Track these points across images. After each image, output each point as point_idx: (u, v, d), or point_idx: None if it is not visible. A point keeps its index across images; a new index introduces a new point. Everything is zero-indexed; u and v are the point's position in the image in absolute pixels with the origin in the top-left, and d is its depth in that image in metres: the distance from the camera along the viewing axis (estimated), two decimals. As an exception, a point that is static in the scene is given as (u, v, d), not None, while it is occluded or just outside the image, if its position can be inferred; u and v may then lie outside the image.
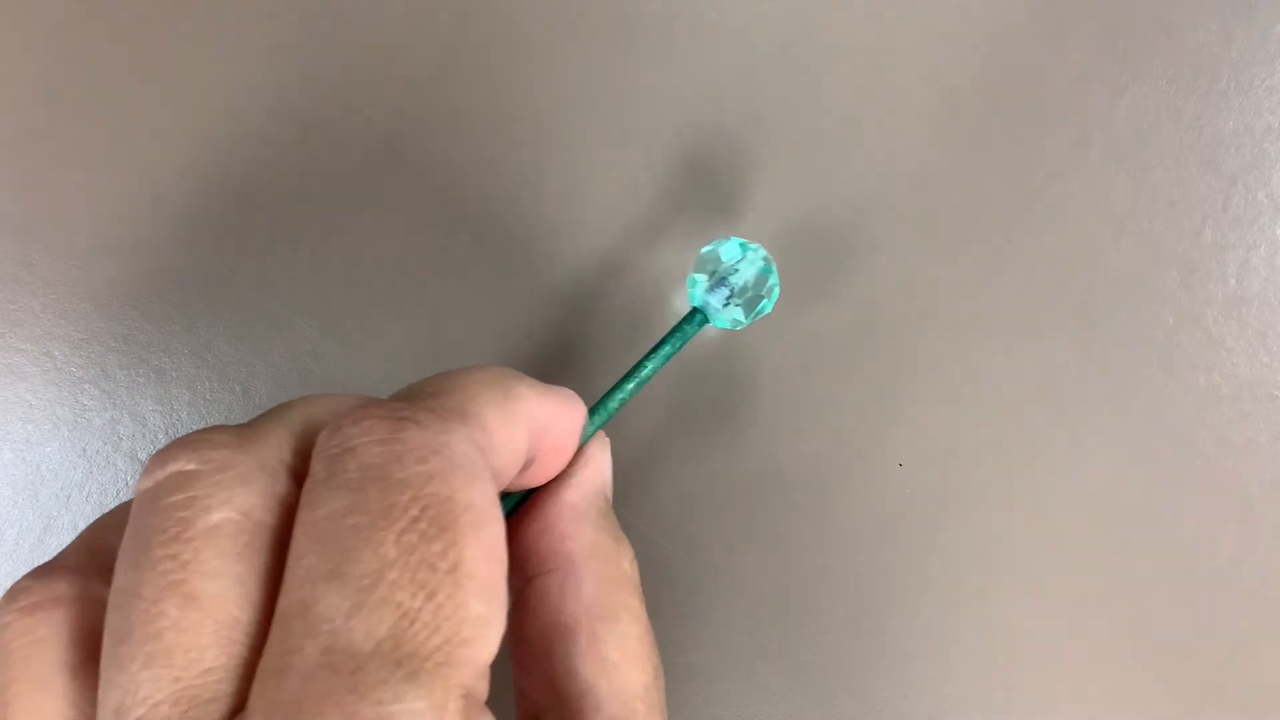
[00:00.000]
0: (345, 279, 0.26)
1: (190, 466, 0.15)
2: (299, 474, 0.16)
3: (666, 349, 0.22)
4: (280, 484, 0.15)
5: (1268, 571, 0.26)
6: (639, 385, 0.22)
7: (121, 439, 0.26)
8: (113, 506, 0.17)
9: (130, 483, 0.25)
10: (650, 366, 0.22)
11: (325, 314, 0.26)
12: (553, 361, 0.26)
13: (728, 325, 0.23)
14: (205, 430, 0.16)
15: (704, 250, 0.24)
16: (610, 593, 0.18)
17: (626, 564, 0.19)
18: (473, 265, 0.26)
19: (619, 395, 0.22)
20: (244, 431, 0.16)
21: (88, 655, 0.15)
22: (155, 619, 0.14)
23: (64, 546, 0.17)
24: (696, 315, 0.23)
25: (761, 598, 0.26)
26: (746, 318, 0.23)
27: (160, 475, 0.15)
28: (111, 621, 0.14)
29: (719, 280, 0.23)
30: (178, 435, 0.26)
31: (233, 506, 0.15)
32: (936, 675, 0.26)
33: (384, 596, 0.13)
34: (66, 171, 0.26)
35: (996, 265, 0.26)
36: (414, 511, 0.14)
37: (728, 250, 0.24)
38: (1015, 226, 0.26)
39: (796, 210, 0.26)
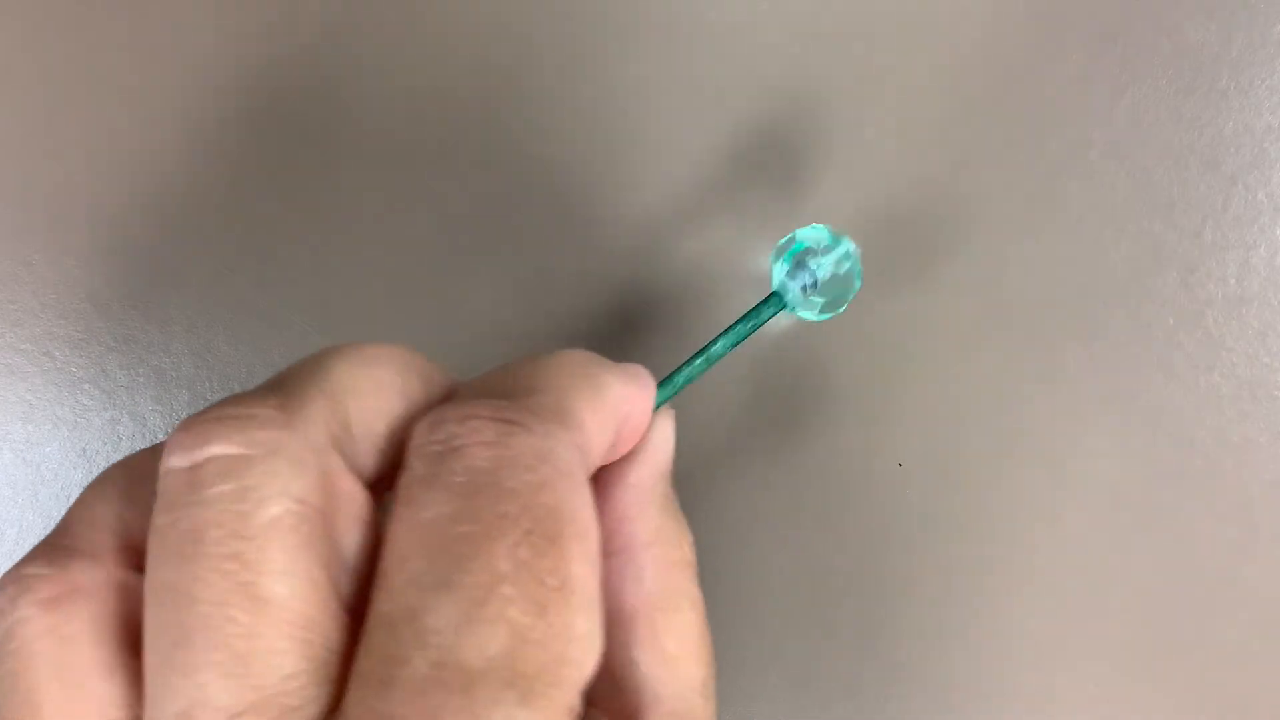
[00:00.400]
0: (345, 279, 0.26)
1: (237, 450, 0.14)
2: (341, 447, 0.15)
3: (740, 329, 0.22)
4: (329, 463, 0.14)
5: (1268, 571, 0.26)
6: (708, 363, 0.21)
7: (121, 439, 0.26)
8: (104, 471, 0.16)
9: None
10: (721, 345, 0.21)
11: (325, 314, 0.26)
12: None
13: (804, 315, 0.23)
14: (243, 402, 0.14)
15: (789, 235, 0.23)
16: (672, 579, 0.18)
17: (687, 548, 0.18)
18: (473, 264, 0.26)
19: (687, 371, 0.21)
20: (287, 405, 0.14)
21: (120, 650, 0.14)
22: (223, 625, 0.13)
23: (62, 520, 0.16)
24: (774, 299, 0.22)
25: (761, 598, 0.26)
26: (823, 312, 0.23)
27: (199, 456, 0.14)
28: (161, 619, 0.13)
29: (801, 266, 0.22)
30: (178, 435, 0.26)
31: (290, 496, 0.14)
32: (936, 675, 0.26)
33: (497, 612, 0.13)
34: (66, 171, 0.26)
35: (996, 265, 0.26)
36: (526, 524, 0.13)
37: (815, 237, 0.23)
38: (1015, 226, 0.26)
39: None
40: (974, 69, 0.27)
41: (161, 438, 0.26)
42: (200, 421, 0.14)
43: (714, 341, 0.21)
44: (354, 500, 0.15)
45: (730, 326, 0.22)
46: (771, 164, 0.26)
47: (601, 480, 0.18)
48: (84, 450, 0.26)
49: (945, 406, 0.26)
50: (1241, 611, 0.26)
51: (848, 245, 0.23)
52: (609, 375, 0.17)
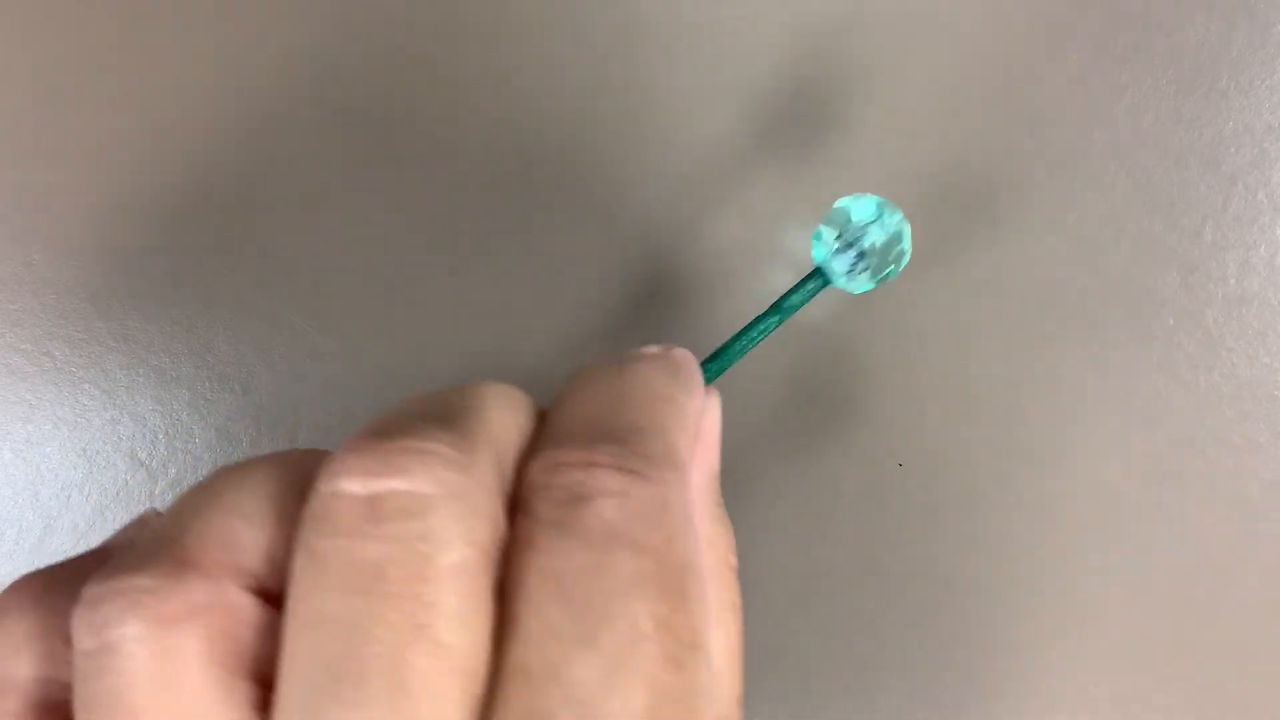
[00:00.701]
0: (346, 278, 0.26)
1: (422, 489, 0.13)
2: (505, 496, 0.15)
3: (787, 304, 0.21)
4: (497, 508, 0.14)
5: (1268, 571, 0.26)
6: (750, 344, 0.21)
7: (121, 439, 0.26)
8: (188, 491, 0.15)
9: (129, 482, 0.25)
10: (768, 322, 0.21)
11: (325, 314, 0.26)
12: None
13: (851, 290, 0.22)
14: (418, 434, 0.14)
15: (836, 205, 0.22)
16: (720, 590, 0.17)
17: (733, 555, 0.18)
18: (477, 260, 0.26)
19: (733, 350, 0.20)
20: (462, 445, 0.14)
21: (233, 675, 0.14)
22: (399, 667, 0.13)
23: (137, 523, 0.16)
24: (819, 275, 0.21)
25: (760, 599, 0.26)
26: (872, 283, 0.22)
27: (379, 487, 0.13)
28: (321, 649, 0.13)
29: (847, 242, 0.21)
30: (177, 435, 0.26)
31: (472, 541, 0.14)
32: (936, 676, 0.26)
33: (638, 669, 0.13)
34: (66, 171, 0.26)
35: (996, 265, 0.26)
36: (661, 581, 0.14)
37: (862, 209, 0.22)
38: (1015, 226, 0.26)
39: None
40: (974, 69, 0.27)
41: (161, 437, 0.26)
42: (379, 449, 0.14)
43: (759, 320, 0.21)
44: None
45: (775, 304, 0.21)
46: (783, 150, 0.26)
47: None
48: (84, 450, 0.26)
49: (945, 406, 0.26)
50: (1242, 611, 0.26)
51: (896, 215, 0.22)
52: (683, 395, 0.17)
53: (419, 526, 0.13)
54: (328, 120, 0.27)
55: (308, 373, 0.26)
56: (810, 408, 0.26)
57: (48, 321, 0.26)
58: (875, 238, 0.21)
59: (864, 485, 0.26)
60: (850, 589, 0.26)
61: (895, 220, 0.22)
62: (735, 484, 0.26)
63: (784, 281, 0.23)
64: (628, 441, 0.15)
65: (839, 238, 0.21)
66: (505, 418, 0.16)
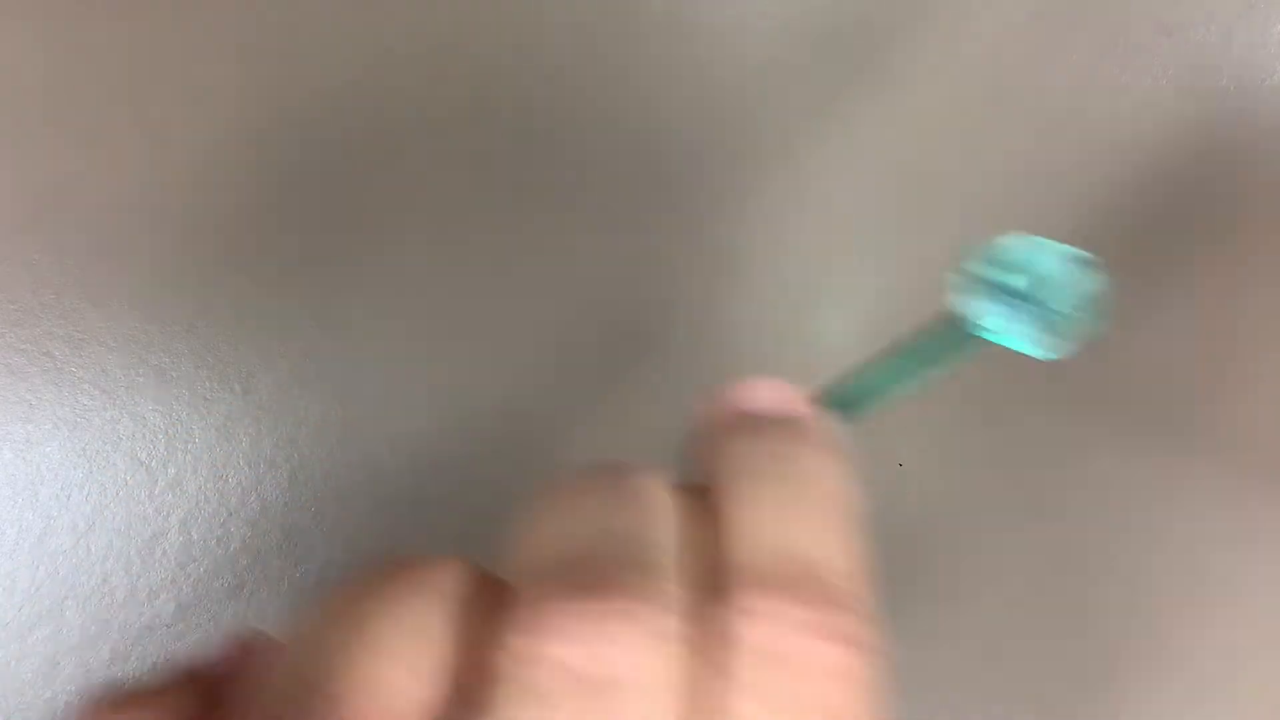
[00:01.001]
0: (346, 278, 0.26)
1: (633, 658, 0.13)
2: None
3: (916, 366, 0.18)
4: (690, 632, 0.14)
5: (1268, 572, 0.26)
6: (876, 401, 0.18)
7: (121, 439, 0.26)
8: (324, 615, 0.14)
9: (129, 482, 0.25)
10: (895, 385, 0.18)
11: (325, 314, 0.26)
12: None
13: (1017, 348, 0.17)
14: (626, 592, 0.13)
15: (1002, 242, 0.18)
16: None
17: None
18: (478, 263, 0.26)
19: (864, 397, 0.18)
20: (658, 597, 0.13)
21: None
22: None
23: (240, 647, 0.15)
24: (961, 333, 0.18)
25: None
26: (1044, 348, 0.17)
27: (590, 655, 0.13)
28: None
29: (1015, 294, 0.17)
30: (177, 435, 0.26)
31: (673, 690, 0.13)
32: (936, 677, 0.26)
33: None
34: (66, 171, 0.26)
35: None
36: None
37: (1040, 259, 0.17)
38: (1014, 226, 0.26)
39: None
40: (973, 69, 0.27)
41: (161, 437, 0.26)
42: (588, 611, 0.13)
43: (883, 380, 0.18)
44: None
45: (901, 359, 0.18)
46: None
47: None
48: (84, 450, 0.26)
49: (946, 406, 0.26)
50: (1241, 610, 0.26)
51: (1091, 277, 0.17)
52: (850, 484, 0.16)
53: (631, 698, 0.13)
54: (330, 120, 0.27)
55: (308, 373, 0.26)
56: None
57: (48, 321, 0.26)
58: (1062, 297, 0.17)
59: (864, 485, 0.26)
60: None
61: (1087, 279, 0.17)
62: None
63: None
64: (829, 592, 0.14)
65: (999, 288, 0.18)
66: (674, 526, 0.15)
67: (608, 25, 0.27)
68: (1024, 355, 0.18)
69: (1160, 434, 0.26)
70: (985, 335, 0.18)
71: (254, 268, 0.26)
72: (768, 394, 0.18)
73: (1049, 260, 0.17)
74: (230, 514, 0.25)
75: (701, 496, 0.16)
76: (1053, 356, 0.18)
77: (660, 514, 0.15)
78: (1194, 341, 0.26)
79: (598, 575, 0.13)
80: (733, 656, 0.14)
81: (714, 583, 0.14)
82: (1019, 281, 0.17)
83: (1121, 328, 0.26)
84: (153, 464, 0.25)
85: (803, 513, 0.16)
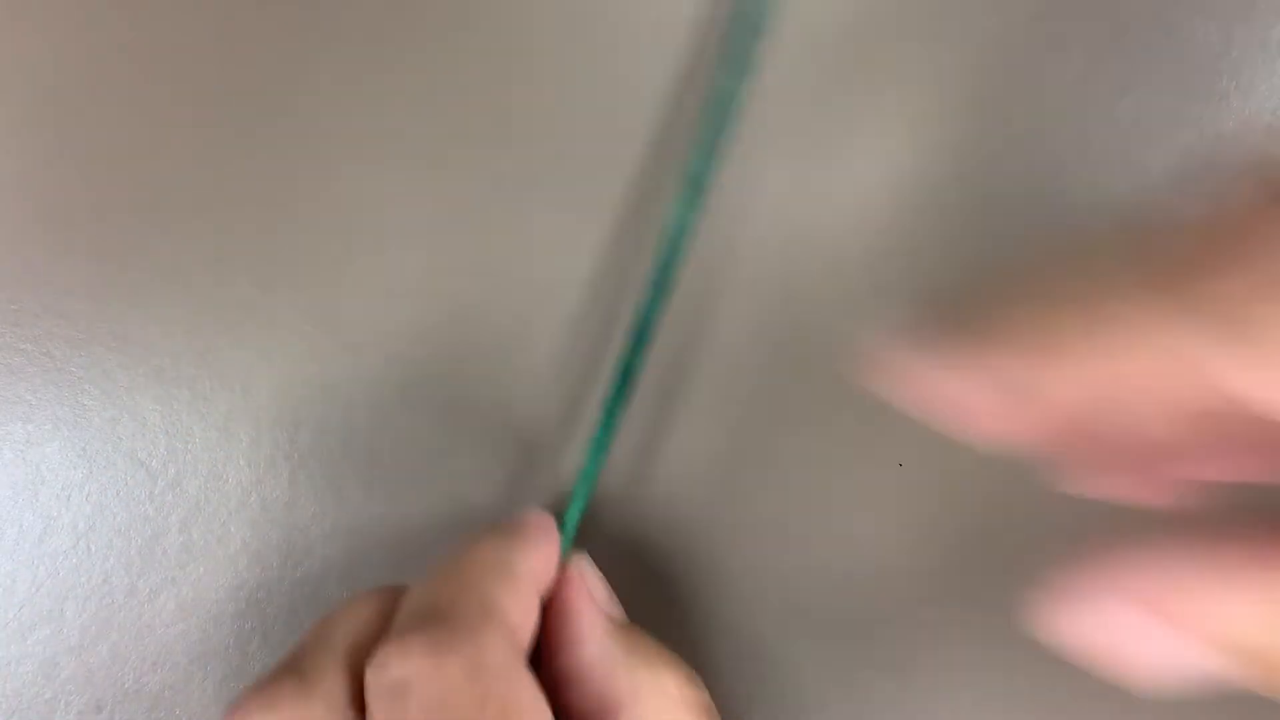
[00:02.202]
0: (346, 278, 0.26)
1: (266, 718, 0.16)
2: (359, 700, 0.16)
3: (603, 439, 0.22)
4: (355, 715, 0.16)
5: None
6: (591, 489, 0.22)
7: (121, 439, 0.26)
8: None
9: (129, 482, 0.25)
10: (596, 464, 0.21)
11: (325, 314, 0.26)
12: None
13: None
14: (270, 682, 0.16)
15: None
16: None
17: (677, 689, 0.18)
18: (478, 264, 0.26)
19: (574, 511, 0.21)
20: (305, 676, 0.16)
21: None
22: None
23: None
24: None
25: (759, 599, 0.26)
26: None
27: None
28: None
29: None
30: (177, 435, 0.26)
31: None
32: (936, 678, 0.26)
33: None
34: (66, 171, 0.26)
35: (996, 264, 0.26)
36: None
37: None
38: (1014, 226, 0.26)
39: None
40: (973, 70, 0.27)
41: (161, 437, 0.26)
42: (239, 702, 0.17)
43: (588, 464, 0.21)
44: None
45: (594, 439, 0.21)
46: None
47: (556, 653, 0.19)
48: (84, 450, 0.26)
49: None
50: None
51: None
52: (517, 553, 0.18)
53: None
54: (329, 120, 0.27)
55: (308, 373, 0.26)
56: (810, 407, 0.26)
57: (48, 321, 0.26)
58: None
59: (864, 485, 0.26)
60: (849, 589, 0.26)
61: None
62: (733, 484, 0.26)
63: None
64: (440, 616, 0.16)
65: None
66: (353, 627, 0.17)
67: (601, 29, 0.27)
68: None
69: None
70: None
71: (254, 268, 0.26)
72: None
73: None
74: (230, 514, 0.25)
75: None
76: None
77: (343, 628, 0.18)
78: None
79: (251, 688, 0.17)
80: (367, 698, 0.16)
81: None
82: None
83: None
84: (153, 464, 0.26)
85: (441, 576, 0.18)
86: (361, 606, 0.18)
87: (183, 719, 0.25)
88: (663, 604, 0.25)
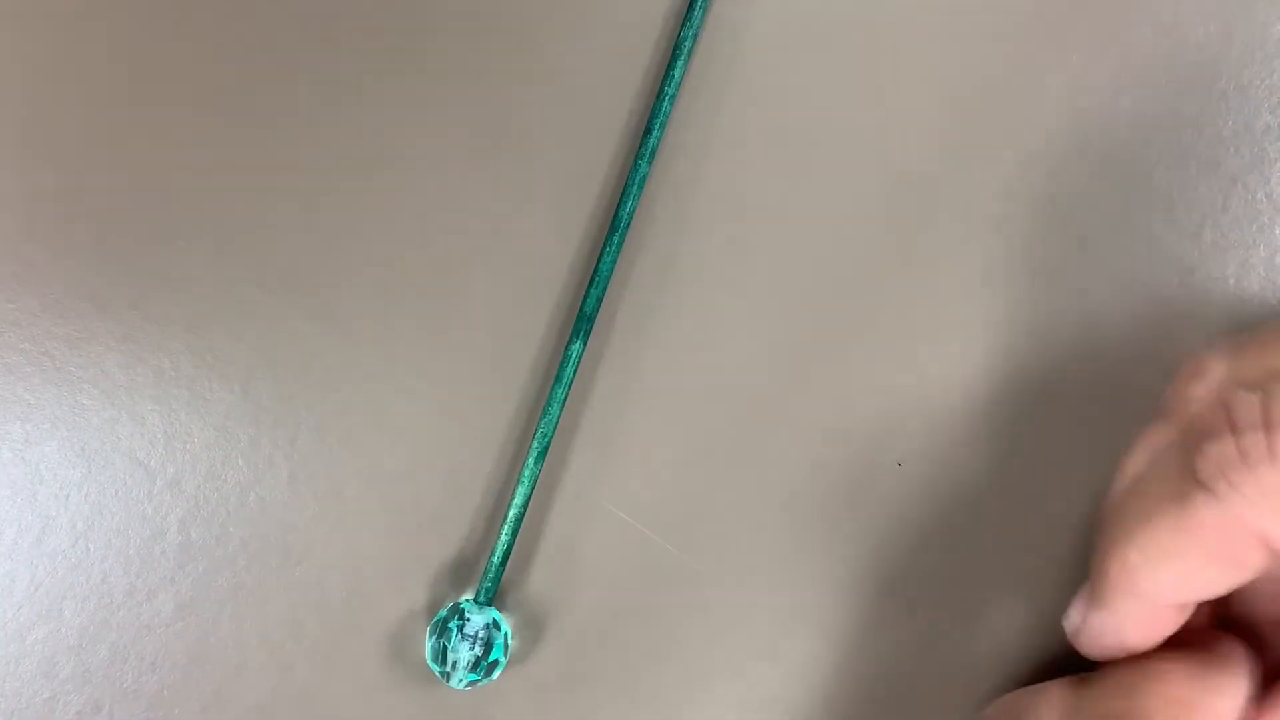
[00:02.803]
0: (346, 278, 0.26)
1: None
2: None
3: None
4: None
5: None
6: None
7: (120, 438, 0.26)
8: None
9: (128, 482, 0.25)
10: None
11: (325, 314, 0.26)
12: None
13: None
14: None
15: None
16: None
17: None
18: (478, 263, 0.26)
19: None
20: None
21: None
22: None
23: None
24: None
25: (759, 599, 0.26)
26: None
27: None
28: None
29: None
30: (177, 435, 0.26)
31: None
32: (936, 679, 0.26)
33: None
34: (66, 171, 0.26)
35: (996, 263, 0.26)
36: None
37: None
38: (1015, 227, 0.26)
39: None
40: (973, 69, 0.27)
41: (161, 437, 0.26)
42: None
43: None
44: None
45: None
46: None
47: None
48: (83, 450, 0.26)
49: (946, 406, 0.26)
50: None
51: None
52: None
53: None
54: (329, 120, 0.27)
55: (308, 373, 0.26)
56: (809, 406, 0.26)
57: (48, 321, 0.26)
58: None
59: (864, 485, 0.26)
60: (849, 589, 0.26)
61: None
62: (732, 484, 0.26)
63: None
64: None
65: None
66: None
67: (597, 27, 0.27)
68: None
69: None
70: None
71: (254, 267, 0.26)
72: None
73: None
74: (229, 514, 0.25)
75: None
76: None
77: None
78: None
79: None
80: None
81: None
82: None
83: (1126, 334, 0.26)
84: (151, 464, 0.25)
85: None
86: None
87: (182, 719, 0.25)
88: (661, 603, 0.25)
